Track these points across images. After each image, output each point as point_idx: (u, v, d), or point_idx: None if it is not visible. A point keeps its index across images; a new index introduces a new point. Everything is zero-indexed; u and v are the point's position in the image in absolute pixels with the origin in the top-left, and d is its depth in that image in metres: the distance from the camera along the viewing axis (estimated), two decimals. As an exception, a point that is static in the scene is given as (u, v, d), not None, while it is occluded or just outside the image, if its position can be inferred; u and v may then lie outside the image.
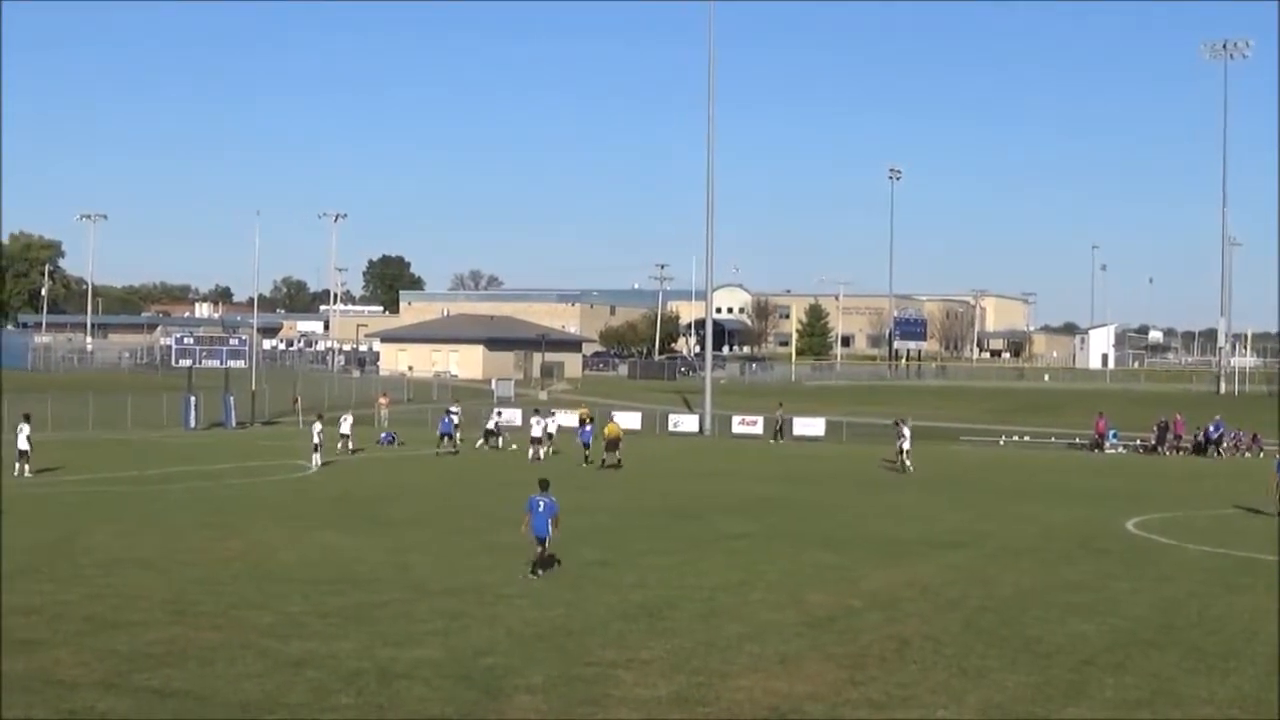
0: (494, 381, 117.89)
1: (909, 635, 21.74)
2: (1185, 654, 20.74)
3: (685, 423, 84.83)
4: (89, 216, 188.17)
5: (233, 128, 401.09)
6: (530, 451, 59.93)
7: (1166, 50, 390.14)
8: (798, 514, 40.71)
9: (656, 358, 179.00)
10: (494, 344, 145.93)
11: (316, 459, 53.12)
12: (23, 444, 48.04)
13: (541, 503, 27.08)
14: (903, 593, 26.11)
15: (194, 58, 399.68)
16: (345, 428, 61.44)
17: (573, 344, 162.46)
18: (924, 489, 49.59)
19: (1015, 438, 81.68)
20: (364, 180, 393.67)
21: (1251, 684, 18.89)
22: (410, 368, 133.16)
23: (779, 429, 78.71)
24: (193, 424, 77.75)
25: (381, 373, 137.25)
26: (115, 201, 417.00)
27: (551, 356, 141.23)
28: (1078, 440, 78.15)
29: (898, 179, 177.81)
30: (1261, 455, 72.38)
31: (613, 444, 57.16)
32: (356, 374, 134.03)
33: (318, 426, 54.55)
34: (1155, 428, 75.84)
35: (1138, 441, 75.86)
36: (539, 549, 27.05)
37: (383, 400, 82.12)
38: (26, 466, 47.23)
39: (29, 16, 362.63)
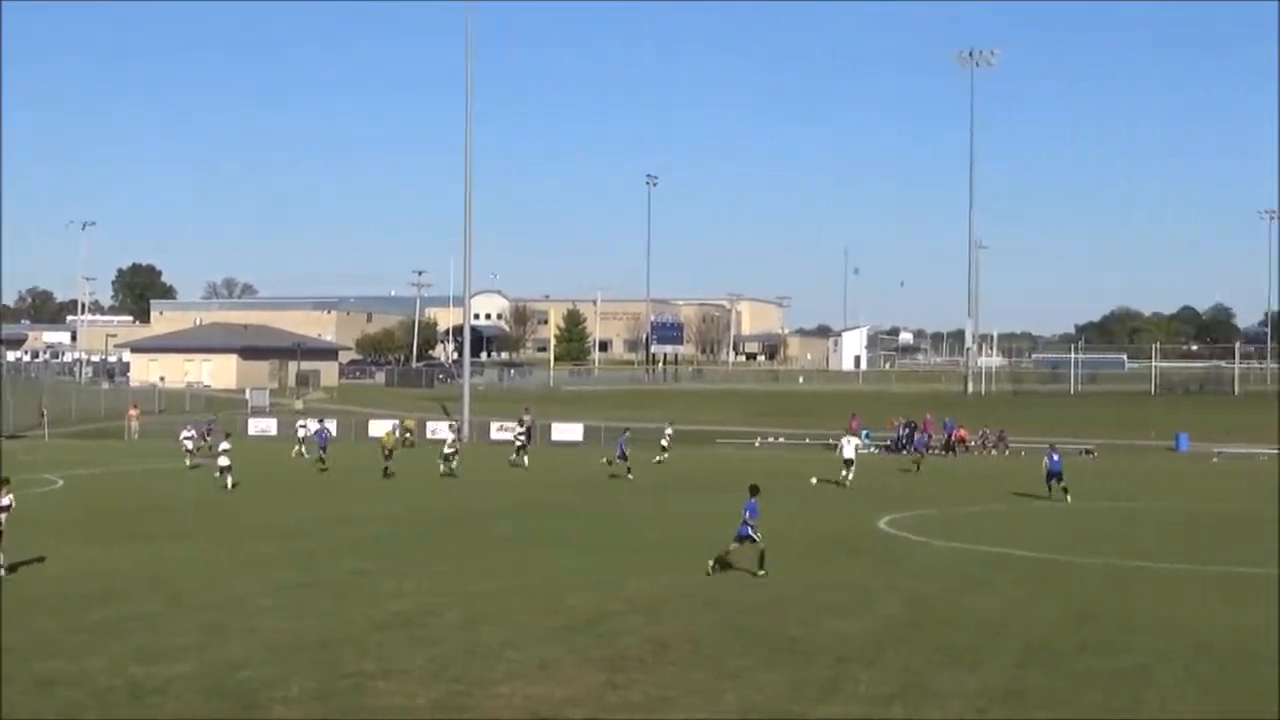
0: (249, 391, 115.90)
1: (669, 637, 21.92)
2: (935, 649, 21.26)
3: (443, 430, 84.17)
4: None
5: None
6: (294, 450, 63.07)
7: (920, 54, 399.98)
8: (560, 519, 40.77)
9: (414, 365, 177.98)
10: (248, 353, 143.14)
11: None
12: None
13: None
14: (665, 595, 26.31)
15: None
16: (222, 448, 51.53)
17: (329, 352, 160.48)
18: (685, 491, 49.95)
19: (771, 439, 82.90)
20: (113, 187, 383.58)
21: (999, 676, 19.45)
22: (162, 378, 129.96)
23: (527, 433, 77.54)
24: (-71, 439, 75.00)
25: (132, 384, 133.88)
26: None
27: (307, 365, 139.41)
28: (831, 441, 79.31)
29: (654, 185, 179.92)
30: (1007, 453, 74.76)
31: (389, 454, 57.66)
32: (106, 385, 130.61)
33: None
34: (900, 427, 77.72)
35: (888, 441, 77.62)
36: (733, 546, 28.94)
37: (133, 412, 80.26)
38: None
39: None
